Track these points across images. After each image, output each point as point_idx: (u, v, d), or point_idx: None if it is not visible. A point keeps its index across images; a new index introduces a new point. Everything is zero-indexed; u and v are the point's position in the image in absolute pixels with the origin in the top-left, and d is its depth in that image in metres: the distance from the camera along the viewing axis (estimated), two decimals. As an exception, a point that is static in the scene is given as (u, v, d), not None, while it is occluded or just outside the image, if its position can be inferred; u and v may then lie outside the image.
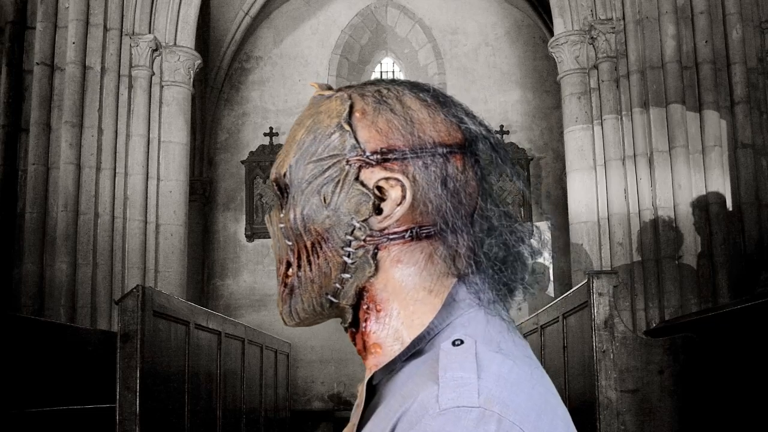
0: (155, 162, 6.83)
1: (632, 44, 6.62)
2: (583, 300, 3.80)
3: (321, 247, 0.76)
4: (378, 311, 0.76)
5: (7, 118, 6.25)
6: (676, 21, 6.47)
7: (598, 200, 6.71)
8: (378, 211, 0.74)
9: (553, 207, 10.00)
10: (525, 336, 5.40)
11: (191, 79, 7.23)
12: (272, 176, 0.82)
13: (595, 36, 6.82)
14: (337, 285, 0.76)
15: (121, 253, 6.51)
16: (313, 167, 0.78)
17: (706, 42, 6.41)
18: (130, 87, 6.75)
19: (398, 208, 0.74)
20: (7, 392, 3.80)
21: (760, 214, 6.26)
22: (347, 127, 0.77)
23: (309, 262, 0.77)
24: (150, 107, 6.85)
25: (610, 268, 6.33)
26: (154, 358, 3.85)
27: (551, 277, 9.94)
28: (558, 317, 4.42)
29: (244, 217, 10.09)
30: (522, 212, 10.03)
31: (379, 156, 0.75)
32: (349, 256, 0.75)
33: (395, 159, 0.75)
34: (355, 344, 0.79)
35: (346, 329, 0.79)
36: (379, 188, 0.75)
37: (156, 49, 6.89)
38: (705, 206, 6.22)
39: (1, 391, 3.73)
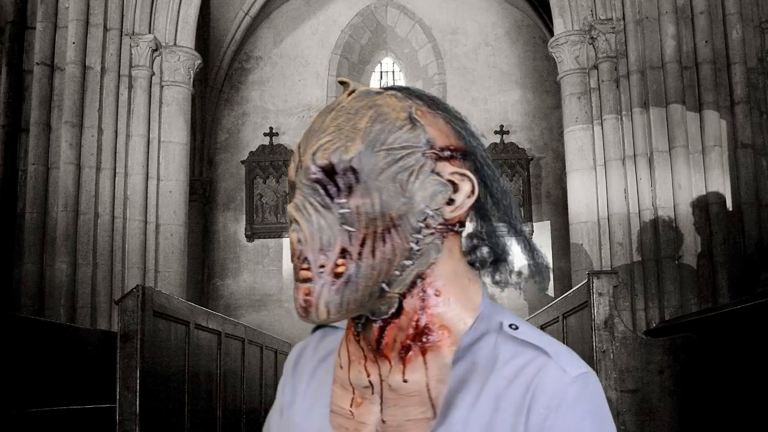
0: (155, 162, 6.83)
1: (632, 44, 6.62)
2: (583, 300, 3.80)
3: (390, 233, 0.78)
4: (437, 296, 0.81)
5: (7, 118, 6.25)
6: (676, 21, 6.47)
7: (598, 200, 6.71)
8: (448, 201, 0.82)
9: (553, 207, 10.00)
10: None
11: (191, 79, 7.23)
12: (319, 162, 0.78)
13: (595, 36, 6.82)
14: (397, 272, 0.79)
15: (121, 253, 6.51)
16: (386, 155, 0.79)
17: (706, 42, 6.41)
18: (130, 87, 6.75)
19: (467, 200, 0.83)
20: (7, 392, 3.80)
21: (760, 214, 6.26)
22: (420, 122, 0.82)
23: (373, 249, 0.78)
24: (150, 107, 6.85)
25: (610, 268, 6.33)
26: (154, 358, 3.85)
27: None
28: (558, 317, 4.42)
29: (244, 217, 10.10)
30: (522, 212, 10.03)
31: (447, 152, 0.83)
32: (417, 242, 0.79)
33: (457, 158, 0.85)
34: (382, 337, 0.81)
35: (365, 324, 0.82)
36: (450, 181, 0.82)
37: (156, 49, 6.89)
38: (705, 206, 6.22)
39: (1, 391, 3.73)
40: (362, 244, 0.77)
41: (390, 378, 0.81)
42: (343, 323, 0.89)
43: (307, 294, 0.77)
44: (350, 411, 0.83)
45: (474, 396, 0.78)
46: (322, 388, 0.88)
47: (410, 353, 0.81)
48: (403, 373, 0.80)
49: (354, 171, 0.78)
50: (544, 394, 0.75)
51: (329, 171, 0.79)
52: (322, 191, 0.79)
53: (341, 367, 0.86)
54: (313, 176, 0.79)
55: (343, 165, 0.78)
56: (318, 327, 0.96)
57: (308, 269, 0.77)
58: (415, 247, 0.79)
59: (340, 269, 0.77)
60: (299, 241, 0.78)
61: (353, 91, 0.84)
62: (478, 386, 0.78)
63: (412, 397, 0.80)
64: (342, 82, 0.86)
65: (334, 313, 0.78)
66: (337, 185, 0.78)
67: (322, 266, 0.77)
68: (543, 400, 0.75)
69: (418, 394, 0.79)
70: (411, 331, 0.81)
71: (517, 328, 0.82)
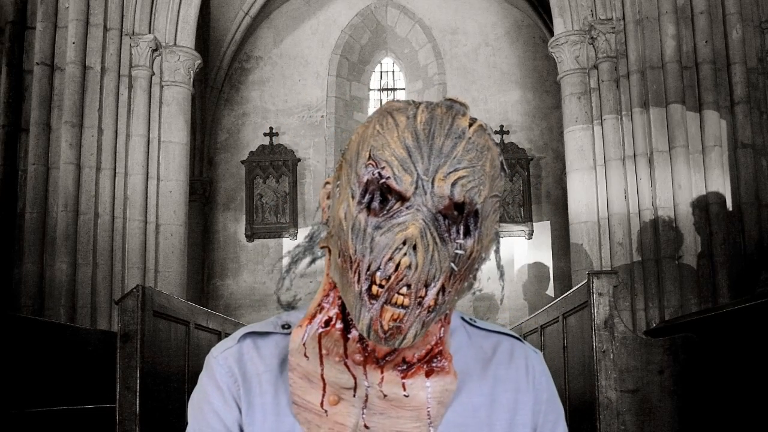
0: (155, 162, 6.83)
1: (632, 44, 6.62)
2: (583, 300, 3.80)
3: (466, 275, 0.82)
4: (449, 323, 0.89)
5: (7, 118, 6.25)
6: (676, 21, 6.47)
7: (598, 200, 6.71)
8: None
9: (553, 207, 10.00)
10: (525, 336, 5.40)
11: (191, 79, 7.23)
12: (457, 196, 0.77)
13: (595, 36, 6.82)
14: (448, 306, 0.82)
15: (121, 253, 6.51)
16: (492, 203, 0.83)
17: (706, 42, 6.41)
18: (130, 87, 6.75)
19: None
20: (7, 392, 3.80)
21: (760, 214, 6.26)
22: (505, 171, 0.85)
23: (459, 288, 0.82)
24: (150, 107, 6.85)
25: (610, 268, 6.33)
26: (154, 358, 3.85)
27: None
28: (558, 317, 4.42)
29: (244, 217, 10.10)
30: (522, 212, 10.03)
31: None
32: (474, 278, 0.85)
33: None
34: (394, 351, 0.82)
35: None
36: None
37: (156, 49, 6.89)
38: (705, 206, 6.22)
39: (1, 391, 3.73)
40: (453, 283, 0.79)
41: (386, 388, 0.81)
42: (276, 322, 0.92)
43: (396, 320, 0.76)
44: (323, 409, 0.82)
45: (479, 381, 0.90)
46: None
47: (412, 370, 0.82)
48: (404, 388, 0.82)
49: (476, 215, 0.79)
50: (537, 371, 0.95)
51: (459, 207, 0.78)
52: (443, 224, 0.78)
53: (306, 357, 0.83)
54: (444, 208, 0.77)
55: (472, 207, 0.78)
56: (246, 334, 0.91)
57: (406, 296, 0.75)
58: (475, 285, 0.86)
59: (434, 303, 0.78)
60: (409, 266, 0.75)
61: (472, 120, 0.81)
62: (480, 372, 0.91)
63: (406, 411, 0.82)
64: (459, 103, 0.82)
65: (413, 342, 0.78)
66: (458, 224, 0.78)
67: (421, 297, 0.76)
68: (538, 374, 0.95)
69: (415, 410, 0.82)
70: (423, 352, 0.83)
71: (474, 321, 0.98)
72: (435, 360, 0.84)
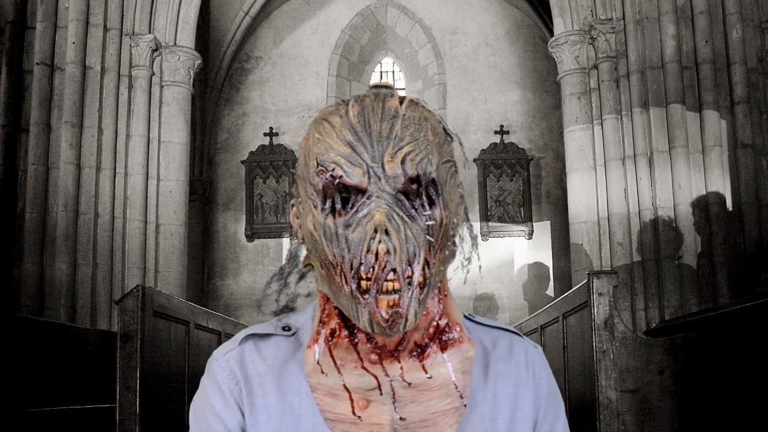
0: (155, 162, 6.83)
1: (632, 44, 6.62)
2: (583, 300, 3.80)
3: (444, 243, 0.83)
4: (446, 296, 0.90)
5: (7, 118, 6.25)
6: (676, 21, 6.47)
7: (598, 200, 6.71)
8: None
9: (553, 207, 10.00)
10: (525, 336, 5.40)
11: (191, 79, 7.23)
12: (410, 172, 0.79)
13: (595, 36, 6.82)
14: (438, 278, 0.84)
15: (121, 253, 6.51)
16: (446, 168, 0.86)
17: (706, 42, 6.41)
18: (130, 87, 6.75)
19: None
20: (7, 392, 3.80)
21: (760, 214, 6.26)
22: (451, 135, 0.88)
23: (440, 258, 0.83)
24: (150, 107, 6.85)
25: (610, 268, 6.33)
26: (154, 358, 3.85)
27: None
28: (558, 317, 4.42)
29: (244, 217, 10.10)
30: (522, 212, 10.04)
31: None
32: (454, 244, 0.87)
33: None
34: (404, 339, 0.84)
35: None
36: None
37: (156, 49, 6.89)
38: (705, 206, 6.22)
39: (1, 391, 3.73)
40: (434, 255, 0.81)
41: (407, 376, 0.83)
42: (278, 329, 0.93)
43: (394, 305, 0.77)
44: (357, 416, 0.83)
45: (482, 377, 0.90)
46: (298, 398, 0.85)
47: (428, 351, 0.85)
48: (425, 370, 0.84)
49: (434, 184, 0.81)
50: (537, 365, 0.95)
51: (416, 182, 0.80)
52: (407, 202, 0.80)
53: (324, 373, 0.84)
54: (402, 186, 0.79)
55: (428, 177, 0.81)
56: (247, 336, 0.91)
57: (395, 280, 0.77)
58: (448, 253, 0.85)
59: (423, 279, 0.79)
60: (387, 252, 0.76)
61: (402, 98, 0.84)
62: (481, 368, 0.91)
63: (434, 391, 0.84)
64: (384, 86, 0.85)
65: (415, 322, 0.79)
66: (420, 197, 0.80)
67: (409, 277, 0.78)
68: (538, 369, 0.95)
69: (443, 387, 0.85)
70: (432, 331, 0.86)
71: (473, 316, 0.97)
72: (445, 333, 0.86)
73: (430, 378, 0.84)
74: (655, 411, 3.64)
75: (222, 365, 0.88)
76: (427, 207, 0.80)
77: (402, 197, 0.79)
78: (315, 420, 0.84)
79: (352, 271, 0.78)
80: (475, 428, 0.87)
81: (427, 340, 0.85)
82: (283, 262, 0.95)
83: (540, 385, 0.94)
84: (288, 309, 0.94)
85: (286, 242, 10.02)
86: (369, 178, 0.78)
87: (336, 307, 0.85)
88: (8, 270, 6.07)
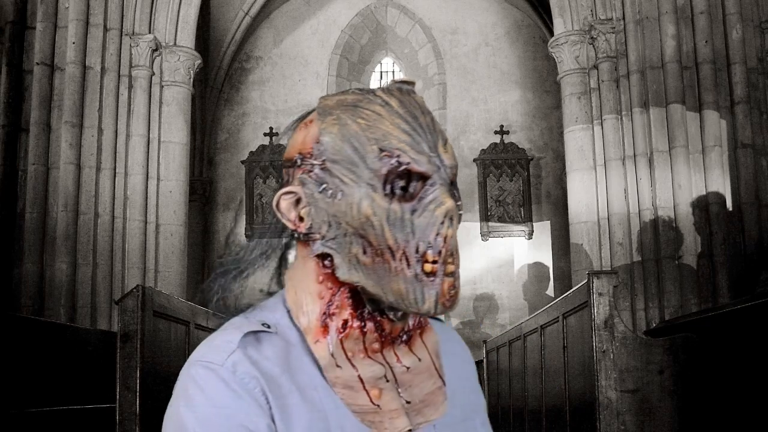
0: (155, 162, 6.83)
1: (632, 44, 6.62)
2: (583, 300, 3.80)
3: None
4: None
5: (7, 118, 6.25)
6: (676, 21, 6.47)
7: (598, 200, 6.71)
8: None
9: (553, 207, 10.00)
10: (525, 336, 5.41)
11: (191, 79, 7.23)
12: (452, 163, 0.84)
13: (595, 36, 6.83)
14: None
15: (121, 253, 6.51)
16: None
17: (706, 42, 6.41)
18: (130, 87, 6.75)
19: None
20: (7, 392, 3.80)
21: (760, 214, 6.26)
22: None
23: None
24: (150, 107, 6.85)
25: (610, 268, 6.33)
26: (154, 358, 3.85)
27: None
28: (558, 317, 4.42)
29: (244, 217, 10.10)
30: (522, 212, 10.04)
31: None
32: None
33: None
34: (394, 331, 0.88)
35: (402, 317, 0.88)
36: None
37: (156, 49, 6.89)
38: (705, 206, 6.22)
39: (1, 391, 3.73)
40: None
41: (405, 361, 0.88)
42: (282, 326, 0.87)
43: (452, 287, 0.83)
44: (376, 405, 0.84)
45: (443, 357, 0.94)
46: (317, 393, 0.83)
47: (411, 335, 0.90)
48: (415, 354, 0.89)
49: (455, 178, 0.87)
50: (461, 342, 1.03)
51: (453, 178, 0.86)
52: (454, 191, 0.85)
53: (339, 366, 0.83)
54: (452, 176, 0.84)
55: (457, 169, 0.86)
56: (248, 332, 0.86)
57: (453, 263, 0.83)
58: None
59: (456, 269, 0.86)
60: (451, 236, 0.83)
61: (414, 93, 0.87)
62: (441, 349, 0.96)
63: (423, 374, 0.89)
64: (408, 83, 0.87)
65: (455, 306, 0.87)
66: (454, 187, 0.86)
67: (458, 265, 0.84)
68: (464, 344, 1.03)
69: (427, 369, 0.90)
70: (417, 318, 0.90)
71: None
72: (422, 320, 0.92)
73: (420, 360, 0.89)
74: (655, 411, 3.64)
75: (233, 369, 0.79)
76: (459, 196, 0.86)
77: (450, 187, 0.84)
78: (340, 413, 0.82)
79: (417, 254, 0.81)
80: (458, 402, 0.92)
81: (413, 326, 0.90)
82: (237, 255, 0.93)
83: (471, 359, 1.04)
84: (245, 308, 0.92)
85: (286, 242, 10.01)
86: (431, 166, 0.82)
87: (349, 297, 0.85)
88: (8, 270, 6.07)
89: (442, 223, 0.81)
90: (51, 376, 4.23)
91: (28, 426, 3.93)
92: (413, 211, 0.81)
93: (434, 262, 0.81)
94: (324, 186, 0.83)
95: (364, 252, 0.81)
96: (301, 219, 0.85)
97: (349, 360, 0.84)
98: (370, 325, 0.85)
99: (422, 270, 0.81)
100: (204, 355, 0.82)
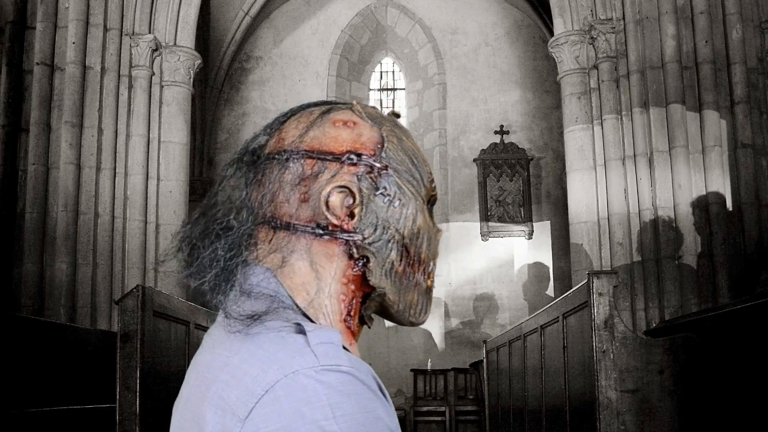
0: (155, 162, 6.83)
1: (632, 44, 6.62)
2: (583, 300, 3.80)
3: None
4: None
5: (7, 118, 6.25)
6: (676, 21, 6.47)
7: (598, 200, 6.72)
8: None
9: (553, 207, 10.00)
10: (525, 336, 5.41)
11: (191, 79, 7.23)
12: (433, 184, 0.91)
13: (595, 36, 6.83)
14: None
15: (121, 253, 6.51)
16: None
17: (706, 42, 6.41)
18: (130, 87, 6.75)
19: None
20: (7, 392, 3.80)
21: (760, 214, 6.26)
22: None
23: None
24: (150, 107, 6.85)
25: (610, 268, 6.33)
26: (154, 358, 3.85)
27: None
28: (558, 317, 4.42)
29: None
30: (522, 212, 10.04)
31: None
32: None
33: None
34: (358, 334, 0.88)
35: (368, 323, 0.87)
36: None
37: (156, 49, 6.89)
38: (705, 206, 6.22)
39: (1, 391, 3.73)
40: None
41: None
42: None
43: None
44: None
45: None
46: None
47: None
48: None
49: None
50: None
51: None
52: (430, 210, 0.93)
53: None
54: (430, 195, 0.92)
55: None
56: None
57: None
58: None
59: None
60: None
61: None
62: None
63: None
64: (397, 114, 0.94)
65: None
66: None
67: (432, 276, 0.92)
68: None
69: None
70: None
71: None
72: None
73: None
74: (655, 411, 3.64)
75: (360, 369, 0.72)
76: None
77: None
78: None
79: (428, 270, 0.88)
80: None
81: None
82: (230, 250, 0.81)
83: None
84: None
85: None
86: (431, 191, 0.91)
87: (360, 303, 0.84)
88: (8, 270, 6.07)
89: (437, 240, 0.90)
90: (51, 376, 4.23)
91: (28, 426, 3.93)
92: (433, 232, 0.89)
93: (433, 280, 0.90)
94: (383, 190, 0.83)
95: (400, 260, 0.84)
96: (351, 216, 0.81)
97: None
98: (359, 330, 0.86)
99: (428, 285, 0.88)
100: (323, 360, 0.69)
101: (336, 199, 0.81)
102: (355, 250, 0.82)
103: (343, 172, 0.82)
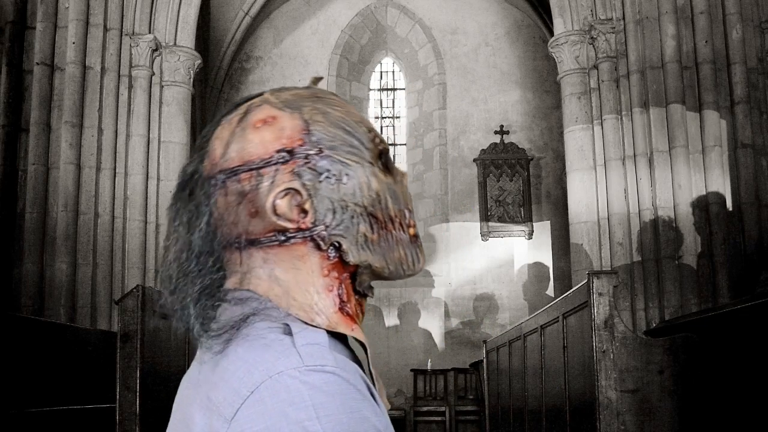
0: (155, 162, 6.83)
1: (632, 44, 6.62)
2: (583, 300, 3.80)
3: None
4: None
5: (7, 118, 6.25)
6: (676, 21, 6.47)
7: (598, 200, 6.72)
8: None
9: (553, 207, 10.00)
10: (525, 336, 5.41)
11: (191, 79, 7.23)
12: (377, 139, 0.89)
13: (595, 36, 6.83)
14: None
15: (121, 253, 6.51)
16: None
17: (706, 42, 6.41)
18: (130, 87, 6.75)
19: None
20: (7, 392, 3.80)
21: (760, 214, 6.26)
22: None
23: None
24: (150, 107, 6.85)
25: (610, 268, 6.33)
26: (154, 358, 3.85)
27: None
28: (558, 317, 4.42)
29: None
30: (522, 212, 10.04)
31: None
32: None
33: None
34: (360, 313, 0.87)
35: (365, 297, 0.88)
36: None
37: (156, 49, 6.89)
38: (705, 206, 6.22)
39: (1, 391, 3.73)
40: None
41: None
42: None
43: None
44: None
45: None
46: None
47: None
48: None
49: None
50: None
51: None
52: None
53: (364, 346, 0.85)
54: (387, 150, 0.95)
55: None
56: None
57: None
58: None
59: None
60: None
61: None
62: None
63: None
64: (317, 80, 0.92)
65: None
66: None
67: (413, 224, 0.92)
68: None
69: None
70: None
71: None
72: None
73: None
74: (655, 411, 3.64)
75: (346, 369, 0.72)
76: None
77: None
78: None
79: (406, 221, 0.87)
80: None
81: None
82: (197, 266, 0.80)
83: None
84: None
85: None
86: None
87: (351, 282, 0.83)
88: (8, 270, 6.07)
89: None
90: (51, 376, 4.23)
91: (28, 426, 3.93)
92: (395, 183, 0.87)
93: (414, 225, 0.88)
94: (326, 173, 0.81)
95: (372, 229, 0.83)
96: (303, 213, 0.80)
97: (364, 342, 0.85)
98: (360, 306, 0.86)
99: (410, 235, 0.87)
100: (307, 361, 0.70)
101: (283, 203, 0.79)
102: (322, 242, 0.81)
103: (280, 173, 0.80)
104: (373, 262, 0.83)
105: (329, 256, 0.81)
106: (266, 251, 0.80)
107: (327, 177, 0.81)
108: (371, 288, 0.86)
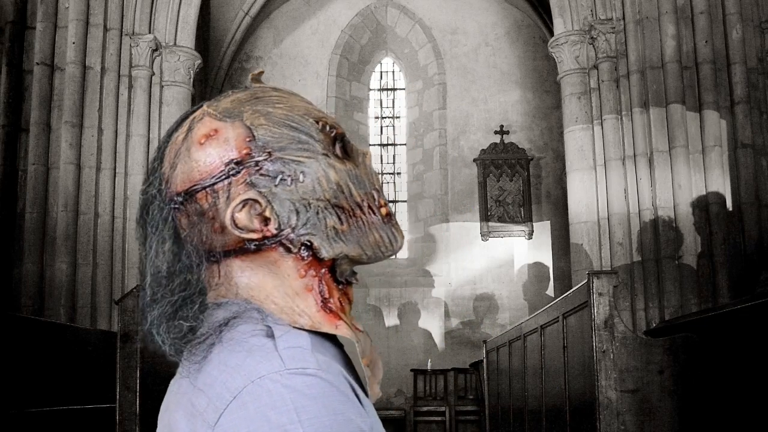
0: (155, 162, 6.83)
1: (632, 44, 6.62)
2: (583, 300, 3.80)
3: None
4: None
5: (7, 118, 6.25)
6: (676, 21, 6.47)
7: (598, 200, 6.72)
8: None
9: (553, 207, 10.00)
10: (525, 336, 5.41)
11: (191, 79, 7.23)
12: (327, 126, 0.85)
13: (595, 36, 6.83)
14: None
15: (121, 253, 6.51)
16: None
17: (706, 42, 6.41)
18: (130, 87, 6.75)
19: None
20: (7, 392, 3.80)
21: (760, 214, 6.26)
22: None
23: None
24: (150, 107, 6.85)
25: (610, 268, 6.33)
26: (154, 358, 3.85)
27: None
28: (558, 317, 4.42)
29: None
30: (522, 212, 10.04)
31: None
32: None
33: None
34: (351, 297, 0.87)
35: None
36: None
37: (156, 49, 6.89)
38: (705, 206, 6.22)
39: (1, 391, 3.73)
40: None
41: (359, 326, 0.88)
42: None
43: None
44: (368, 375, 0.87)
45: None
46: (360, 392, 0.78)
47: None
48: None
49: None
50: None
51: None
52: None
53: (359, 341, 0.84)
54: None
55: None
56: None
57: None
58: None
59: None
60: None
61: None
62: None
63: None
64: (258, 75, 0.90)
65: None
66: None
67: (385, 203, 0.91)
68: None
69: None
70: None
71: None
72: None
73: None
74: (655, 411, 3.64)
75: (329, 371, 0.71)
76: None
77: None
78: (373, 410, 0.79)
79: (376, 202, 0.85)
80: None
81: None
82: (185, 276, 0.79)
83: None
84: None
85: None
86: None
87: (330, 276, 0.82)
88: (8, 270, 6.07)
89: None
90: (51, 376, 4.23)
91: (28, 426, 3.93)
92: (356, 166, 0.85)
93: (386, 204, 0.86)
94: (280, 176, 0.80)
95: (340, 220, 0.81)
96: (266, 221, 0.79)
97: (354, 328, 0.83)
98: (346, 296, 0.85)
99: (382, 215, 0.85)
100: (289, 364, 0.70)
101: (242, 216, 0.78)
102: (292, 246, 0.80)
103: (234, 186, 0.79)
104: (348, 251, 0.82)
105: (303, 257, 0.80)
106: (242, 259, 0.80)
107: (282, 179, 0.79)
108: (354, 274, 0.85)
